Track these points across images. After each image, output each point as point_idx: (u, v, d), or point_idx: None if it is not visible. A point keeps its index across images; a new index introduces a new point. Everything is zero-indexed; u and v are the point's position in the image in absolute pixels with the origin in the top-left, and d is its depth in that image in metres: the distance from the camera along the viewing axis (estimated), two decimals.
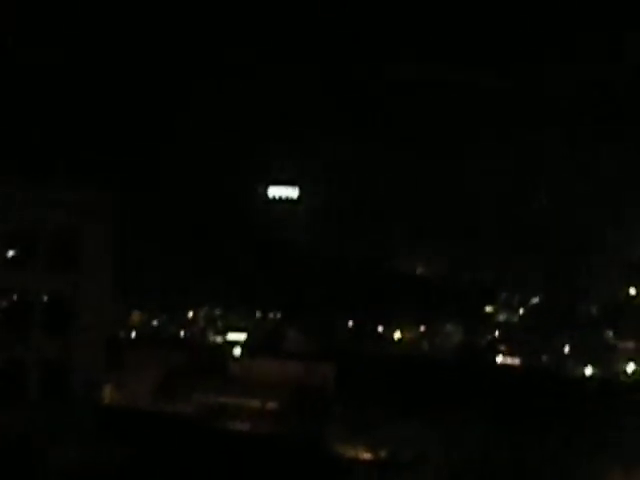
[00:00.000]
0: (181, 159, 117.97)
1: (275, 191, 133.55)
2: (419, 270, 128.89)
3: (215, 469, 45.69)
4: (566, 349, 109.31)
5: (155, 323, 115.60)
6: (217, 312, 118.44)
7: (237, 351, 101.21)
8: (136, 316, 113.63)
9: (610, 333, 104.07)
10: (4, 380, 50.71)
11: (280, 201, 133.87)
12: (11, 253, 53.26)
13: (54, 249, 53.02)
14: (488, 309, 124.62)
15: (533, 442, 55.91)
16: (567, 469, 54.38)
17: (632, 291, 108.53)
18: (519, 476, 53.07)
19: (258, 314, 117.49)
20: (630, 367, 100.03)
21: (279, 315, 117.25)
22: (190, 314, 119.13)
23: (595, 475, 55.54)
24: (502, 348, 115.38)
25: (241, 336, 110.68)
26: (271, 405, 67.34)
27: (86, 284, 52.71)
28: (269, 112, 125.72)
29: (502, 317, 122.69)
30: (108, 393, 66.87)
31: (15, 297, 53.53)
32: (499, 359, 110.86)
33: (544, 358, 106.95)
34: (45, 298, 53.28)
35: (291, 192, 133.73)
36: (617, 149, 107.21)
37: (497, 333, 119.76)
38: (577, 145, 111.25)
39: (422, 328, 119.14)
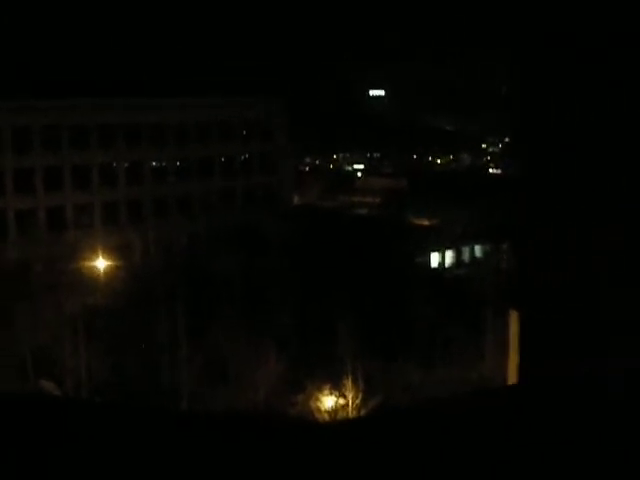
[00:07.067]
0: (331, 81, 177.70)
1: (373, 92, 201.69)
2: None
3: (345, 237, 53.14)
4: None
5: (317, 162, 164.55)
6: (348, 155, 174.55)
7: (359, 174, 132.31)
8: (307, 158, 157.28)
9: None
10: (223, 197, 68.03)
11: (375, 97, 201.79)
12: None
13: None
14: None
15: None
16: None
17: None
18: None
19: (368, 155, 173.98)
20: None
21: (379, 155, 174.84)
22: (334, 156, 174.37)
23: None
24: None
25: (361, 166, 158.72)
26: (377, 201, 77.51)
27: (277, 153, 72.64)
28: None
29: None
30: (295, 198, 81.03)
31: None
32: None
33: None
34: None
35: (380, 92, 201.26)
36: None
37: None
38: None
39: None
